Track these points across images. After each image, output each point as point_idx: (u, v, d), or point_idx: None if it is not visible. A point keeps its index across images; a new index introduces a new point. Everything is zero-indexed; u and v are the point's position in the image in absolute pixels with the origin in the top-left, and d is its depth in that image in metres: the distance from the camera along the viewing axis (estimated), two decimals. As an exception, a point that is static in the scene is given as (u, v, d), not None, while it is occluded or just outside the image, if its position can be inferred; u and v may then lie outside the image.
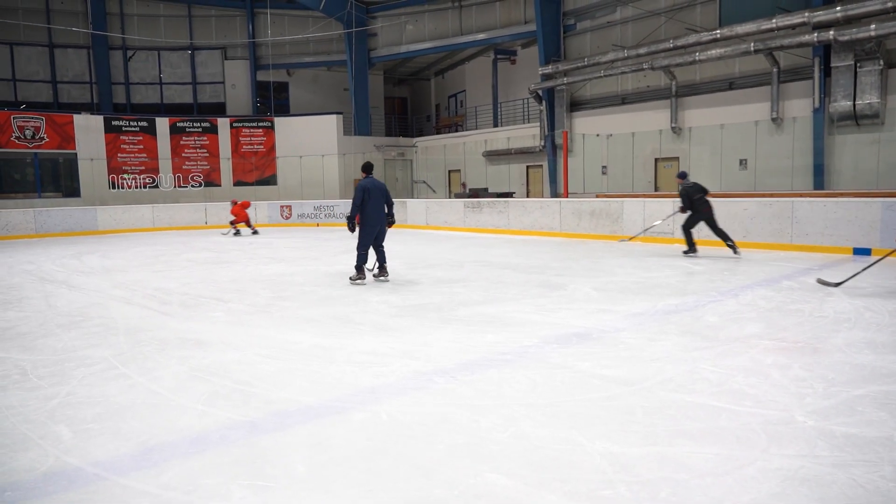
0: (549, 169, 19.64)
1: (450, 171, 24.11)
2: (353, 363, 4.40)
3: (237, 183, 23.10)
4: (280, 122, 23.45)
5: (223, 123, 23.03)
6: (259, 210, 21.44)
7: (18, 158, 20.18)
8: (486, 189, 20.39)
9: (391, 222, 8.02)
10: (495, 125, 23.22)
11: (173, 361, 4.57)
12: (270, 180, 23.18)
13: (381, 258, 8.11)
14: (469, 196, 18.47)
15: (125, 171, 21.62)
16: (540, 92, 19.36)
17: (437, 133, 26.66)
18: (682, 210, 9.69)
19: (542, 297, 6.76)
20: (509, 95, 23.28)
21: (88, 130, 20.95)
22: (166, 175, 22.25)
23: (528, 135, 20.75)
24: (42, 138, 20.18)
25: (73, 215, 18.60)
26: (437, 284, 7.82)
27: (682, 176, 9.90)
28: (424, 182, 24.36)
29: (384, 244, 8.14)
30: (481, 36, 21.80)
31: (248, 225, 17.19)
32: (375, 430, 3.18)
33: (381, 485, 2.61)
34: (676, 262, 9.31)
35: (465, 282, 7.98)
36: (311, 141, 23.05)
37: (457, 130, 25.40)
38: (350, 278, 8.03)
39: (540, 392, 3.67)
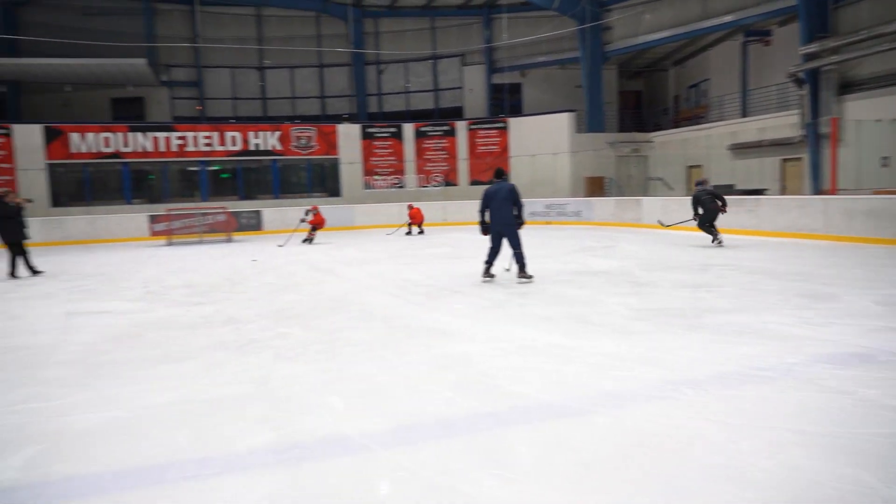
0: (810, 162, 17.22)
1: (689, 167, 22.50)
2: (591, 365, 4.30)
3: (473, 182, 24.26)
4: (513, 123, 24.08)
5: (461, 126, 24.36)
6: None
7: (295, 164, 23.64)
8: (731, 186, 18.62)
9: (519, 224, 7.98)
10: (743, 115, 21.08)
11: (422, 348, 4.92)
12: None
13: (517, 259, 8.08)
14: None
15: (377, 173, 24.04)
16: (801, 75, 17.04)
17: (676, 126, 25.02)
18: (695, 216, 11.85)
19: (806, 308, 5.94)
20: (761, 81, 20.94)
21: (348, 138, 23.70)
22: (410, 176, 24.24)
23: (783, 124, 18.43)
24: (313, 146, 23.36)
25: (336, 212, 21.19)
26: (678, 288, 7.33)
27: (700, 183, 12.08)
28: (661, 179, 23.08)
29: (522, 247, 8.10)
30: (728, 18, 19.93)
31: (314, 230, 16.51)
32: (621, 438, 3.06)
33: (629, 495, 2.50)
34: None
35: (711, 287, 7.36)
36: (543, 140, 23.28)
37: (698, 123, 23.59)
38: (482, 274, 8.27)
39: (812, 418, 3.20)
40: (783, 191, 18.56)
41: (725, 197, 11.92)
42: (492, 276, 8.24)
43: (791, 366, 4.09)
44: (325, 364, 4.55)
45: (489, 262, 8.17)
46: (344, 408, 3.62)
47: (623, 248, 12.22)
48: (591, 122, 23.45)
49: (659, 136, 23.74)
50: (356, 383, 4.07)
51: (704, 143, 21.35)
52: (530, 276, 8.04)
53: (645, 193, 22.83)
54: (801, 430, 3.04)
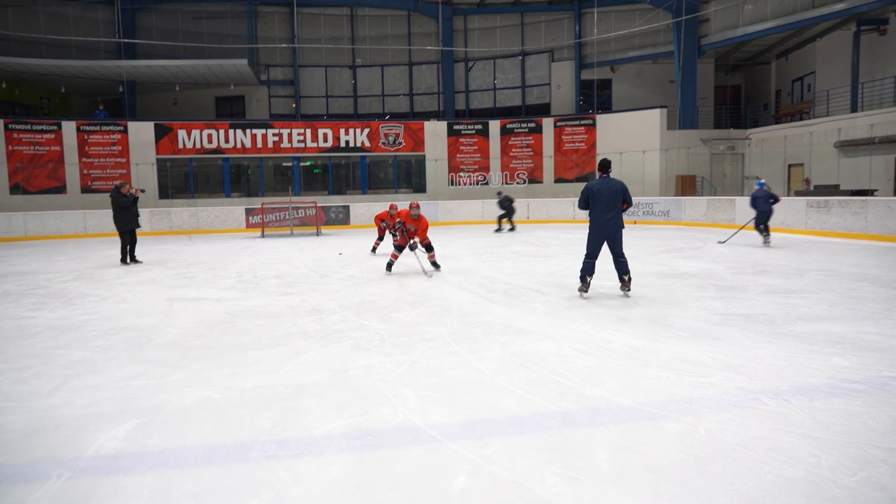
0: (930, 161, 15.84)
1: (790, 166, 21.21)
2: (669, 369, 4.21)
3: (558, 180, 23.96)
4: (602, 120, 23.56)
5: (547, 123, 24.10)
6: (577, 207, 21.91)
7: (383, 160, 24.22)
8: (836, 186, 17.42)
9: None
10: (853, 110, 19.61)
11: (496, 345, 4.98)
12: (589, 177, 23.46)
13: (620, 269, 7.02)
14: (813, 194, 16.00)
15: (461, 170, 24.22)
16: (922, 66, 15.69)
17: (777, 123, 23.64)
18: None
19: (912, 319, 5.52)
20: (875, 73, 19.41)
21: (435, 135, 24.01)
22: (495, 173, 24.25)
23: (900, 120, 17.02)
24: (400, 143, 23.84)
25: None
26: (769, 293, 6.98)
27: (499, 193, 13.33)
28: (757, 178, 21.90)
29: (625, 254, 7.08)
30: (840, 6, 18.59)
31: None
32: (692, 444, 3.00)
33: (695, 503, 2.46)
34: None
35: (806, 293, 6.96)
36: (632, 137, 22.64)
37: (801, 119, 22.18)
38: (578, 289, 7.21)
39: (906, 436, 3.01)
40: (895, 192, 17.15)
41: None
42: (585, 288, 7.07)
43: (887, 380, 3.83)
44: (400, 357, 4.70)
45: (590, 272, 7.02)
46: (416, 400, 3.74)
47: (712, 250, 11.73)
48: (683, 119, 22.57)
49: (757, 133, 22.51)
50: (429, 377, 4.18)
51: (808, 140, 20.07)
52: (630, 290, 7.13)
53: (740, 193, 21.74)
54: (891, 448, 2.87)
